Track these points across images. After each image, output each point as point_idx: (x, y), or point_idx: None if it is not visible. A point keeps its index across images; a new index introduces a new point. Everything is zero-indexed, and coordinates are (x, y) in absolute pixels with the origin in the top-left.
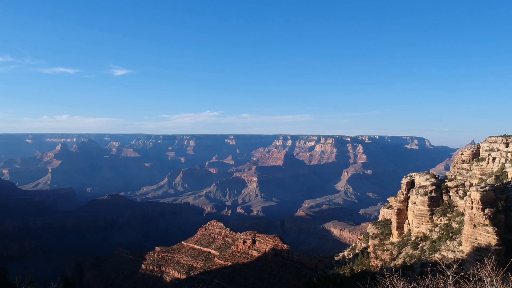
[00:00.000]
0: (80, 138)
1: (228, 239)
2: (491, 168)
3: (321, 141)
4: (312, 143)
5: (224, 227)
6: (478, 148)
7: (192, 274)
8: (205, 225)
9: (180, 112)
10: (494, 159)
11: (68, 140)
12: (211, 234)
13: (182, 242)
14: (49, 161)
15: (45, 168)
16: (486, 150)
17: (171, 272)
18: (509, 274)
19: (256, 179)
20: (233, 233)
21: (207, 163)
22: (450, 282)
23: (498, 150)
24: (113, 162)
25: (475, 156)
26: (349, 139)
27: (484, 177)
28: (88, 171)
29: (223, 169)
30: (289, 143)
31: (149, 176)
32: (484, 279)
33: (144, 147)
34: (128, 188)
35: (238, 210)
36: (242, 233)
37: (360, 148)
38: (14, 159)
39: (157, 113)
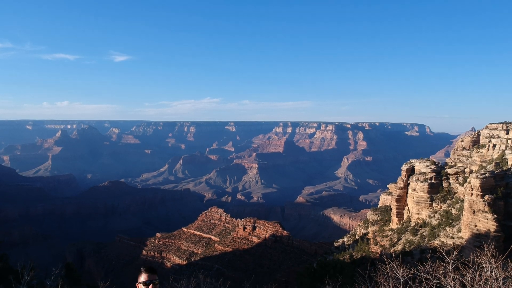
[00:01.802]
0: (80, 124)
1: (228, 225)
2: (491, 155)
3: (321, 128)
4: (313, 130)
5: (225, 213)
6: (479, 134)
7: (192, 260)
8: (205, 211)
9: (180, 98)
10: (494, 145)
11: (68, 126)
12: (212, 221)
13: (182, 228)
14: (50, 147)
15: (45, 155)
16: (486, 137)
17: (172, 258)
18: (509, 261)
19: (256, 165)
20: (234, 220)
21: (207, 149)
22: (450, 269)
23: (499, 136)
24: (113, 149)
25: (476, 142)
26: (349, 125)
27: (484, 164)
28: (88, 158)
29: (223, 155)
30: (289, 129)
31: (149, 162)
32: (484, 265)
33: (144, 134)
34: (128, 175)
35: (238, 196)
36: (243, 219)
37: (360, 135)
38: (15, 146)
39: (157, 99)
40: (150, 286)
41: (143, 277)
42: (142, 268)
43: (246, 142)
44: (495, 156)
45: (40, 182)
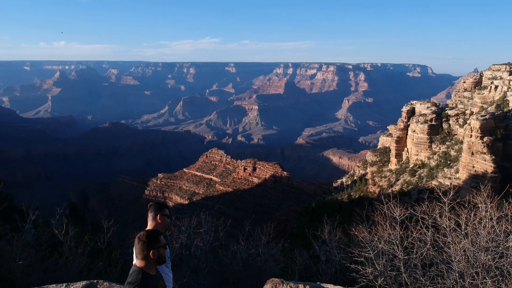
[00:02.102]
0: (78, 65)
1: (229, 166)
2: (493, 97)
3: (322, 69)
4: (314, 71)
5: (225, 154)
6: (481, 76)
7: (194, 199)
8: (206, 152)
9: (179, 38)
10: (496, 87)
11: (66, 67)
12: (212, 162)
13: (184, 169)
14: (49, 88)
15: (44, 96)
16: (489, 78)
17: (174, 198)
18: (504, 201)
19: (256, 107)
20: (234, 161)
21: (207, 91)
22: (446, 209)
23: (501, 78)
24: (113, 90)
25: (478, 84)
26: (351, 66)
27: (485, 106)
28: (87, 99)
29: (223, 97)
30: (290, 71)
31: (149, 104)
32: (479, 205)
33: (143, 75)
34: (128, 116)
35: (239, 138)
36: (243, 160)
37: (361, 76)
38: (13, 87)
39: (156, 39)
40: (168, 220)
41: (165, 211)
42: (155, 204)
43: (247, 83)
44: (496, 98)
45: (41, 124)
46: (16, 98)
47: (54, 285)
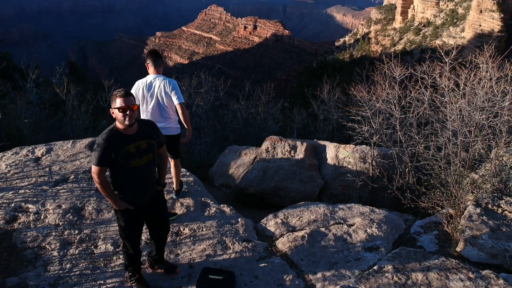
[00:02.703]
0: None
1: (229, 24)
2: None
3: None
4: None
5: (225, 12)
6: None
7: (194, 59)
8: (205, 10)
9: None
10: None
11: None
12: (212, 20)
13: (182, 27)
14: None
15: None
16: None
17: (173, 57)
18: (506, 61)
19: None
20: (234, 19)
21: None
22: (447, 68)
23: None
24: None
25: None
26: None
27: None
28: None
29: None
30: None
31: None
32: (480, 65)
33: None
34: None
35: None
36: (243, 18)
37: None
38: None
39: None
40: (128, 111)
41: (118, 102)
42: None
43: None
44: None
45: None
46: None
47: (61, 141)
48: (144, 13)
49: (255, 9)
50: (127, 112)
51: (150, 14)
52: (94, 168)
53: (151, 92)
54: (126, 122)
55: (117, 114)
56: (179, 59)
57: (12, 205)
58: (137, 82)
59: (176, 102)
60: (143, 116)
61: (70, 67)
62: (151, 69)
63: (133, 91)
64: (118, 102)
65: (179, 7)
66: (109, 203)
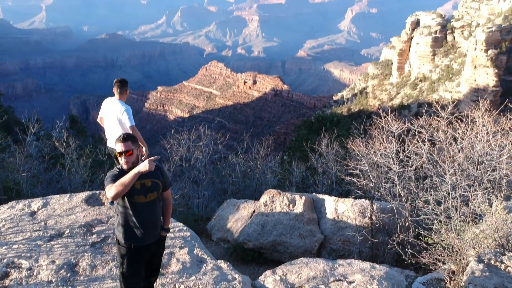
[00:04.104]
0: None
1: (229, 79)
2: (501, 8)
3: None
4: None
5: (225, 67)
6: None
7: (194, 113)
8: (205, 65)
9: None
10: None
11: None
12: (212, 75)
13: (183, 82)
14: None
15: (38, 5)
16: None
17: (174, 111)
18: (501, 115)
19: (257, 18)
20: (234, 74)
21: (206, 0)
22: (443, 123)
23: None
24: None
25: None
26: None
27: (492, 17)
28: (83, 9)
29: (222, 7)
30: None
31: (146, 14)
32: (477, 120)
33: None
34: (125, 27)
35: (239, 50)
36: (243, 73)
37: None
38: None
39: None
40: (123, 156)
41: (117, 147)
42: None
43: None
44: (505, 9)
45: (37, 35)
46: (9, 8)
47: (58, 195)
48: (146, 68)
49: (255, 65)
50: (123, 157)
51: (152, 70)
52: (107, 189)
53: (111, 112)
54: (124, 167)
55: (118, 158)
56: (179, 113)
57: (5, 260)
58: (105, 100)
59: (127, 125)
60: (106, 129)
61: (71, 120)
62: (116, 95)
63: (102, 106)
64: (117, 147)
65: (180, 62)
66: (104, 259)
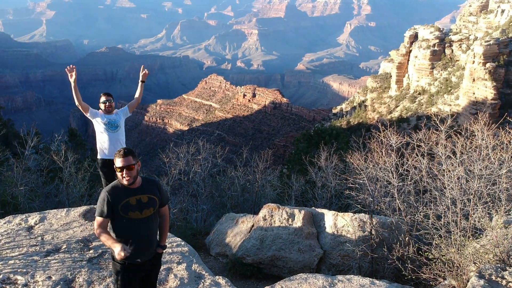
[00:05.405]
0: None
1: (228, 92)
2: (499, 21)
3: None
4: None
5: (225, 80)
6: None
7: (194, 126)
8: (205, 78)
9: None
10: (503, 11)
11: None
12: (212, 88)
13: (183, 95)
14: (43, 11)
15: (39, 20)
16: (495, 2)
17: (173, 124)
18: (500, 129)
19: (256, 31)
20: (233, 87)
21: (205, 14)
22: (442, 136)
23: (509, 1)
24: (108, 13)
25: (484, 8)
26: None
27: (490, 31)
28: (83, 23)
29: (222, 21)
30: None
31: (146, 28)
32: (476, 133)
33: None
34: (125, 41)
35: (238, 64)
36: (242, 86)
37: None
38: (6, 10)
39: None
40: (124, 171)
41: (117, 162)
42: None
43: (246, 6)
44: (502, 23)
45: (37, 48)
46: (10, 22)
47: (55, 210)
48: (146, 81)
49: (254, 78)
50: (124, 172)
51: (152, 83)
52: (96, 219)
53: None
54: (125, 182)
55: (117, 173)
56: (179, 126)
57: (0, 276)
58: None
59: None
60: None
61: (70, 133)
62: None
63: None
64: (117, 161)
65: (180, 76)
66: (101, 275)
